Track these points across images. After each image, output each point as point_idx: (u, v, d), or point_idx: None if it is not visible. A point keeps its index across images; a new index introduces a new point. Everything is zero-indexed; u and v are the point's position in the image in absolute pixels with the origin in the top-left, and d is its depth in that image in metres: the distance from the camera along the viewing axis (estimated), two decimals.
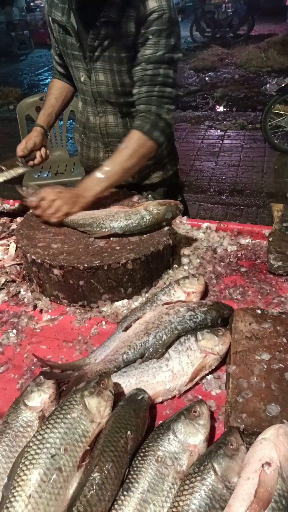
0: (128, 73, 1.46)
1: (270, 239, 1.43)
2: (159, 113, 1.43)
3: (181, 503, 0.73)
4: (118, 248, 1.28)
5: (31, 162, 1.68)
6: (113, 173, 1.41)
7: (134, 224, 1.31)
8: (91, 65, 1.49)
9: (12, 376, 1.08)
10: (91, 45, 1.44)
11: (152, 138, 1.43)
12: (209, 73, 8.81)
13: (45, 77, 9.93)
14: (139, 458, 0.80)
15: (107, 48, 1.43)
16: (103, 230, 1.32)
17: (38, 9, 13.04)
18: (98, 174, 1.42)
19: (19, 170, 1.67)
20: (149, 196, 1.68)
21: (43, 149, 1.68)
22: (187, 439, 0.82)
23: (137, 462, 0.80)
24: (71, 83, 1.75)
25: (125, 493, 0.75)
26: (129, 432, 0.82)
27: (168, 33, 1.37)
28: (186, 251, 1.47)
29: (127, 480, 0.77)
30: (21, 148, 1.62)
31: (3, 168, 1.65)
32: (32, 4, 13.66)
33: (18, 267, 1.41)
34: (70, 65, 1.58)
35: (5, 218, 1.70)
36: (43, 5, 13.07)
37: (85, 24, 1.43)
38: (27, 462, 0.76)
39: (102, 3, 1.35)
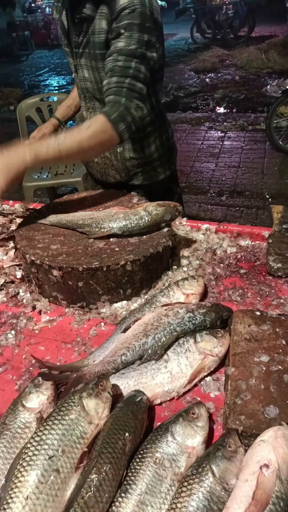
0: (104, 69, 1.43)
1: (270, 240, 1.43)
2: (128, 107, 1.36)
3: (179, 505, 0.73)
4: (117, 249, 1.28)
5: None
6: (66, 146, 1.31)
7: (133, 225, 1.31)
8: (78, 61, 1.55)
9: (11, 377, 1.08)
10: (76, 41, 1.50)
11: (116, 130, 1.35)
12: (210, 74, 8.82)
13: (46, 78, 9.94)
14: (137, 460, 0.80)
15: (86, 45, 1.48)
16: (102, 230, 1.32)
17: (39, 10, 13.05)
18: (51, 141, 1.31)
19: None
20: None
21: None
22: (185, 441, 0.82)
23: (135, 463, 0.79)
24: None
25: (123, 494, 0.75)
26: (127, 434, 0.82)
27: (140, 28, 1.34)
28: (185, 252, 1.47)
29: (125, 482, 0.77)
30: (32, 136, 1.71)
31: None
32: (33, 5, 13.67)
33: (17, 267, 1.41)
34: (68, 61, 1.66)
35: (4, 219, 1.70)
36: (44, 6, 13.09)
37: (70, 20, 1.50)
38: (24, 463, 0.76)
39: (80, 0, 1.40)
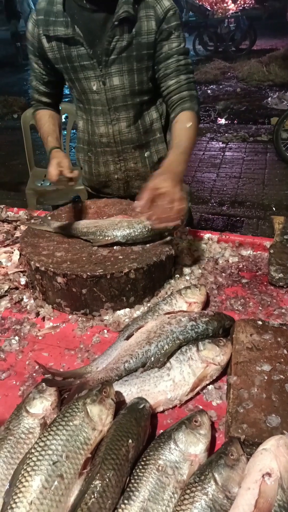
0: (147, 70, 1.55)
1: (271, 251, 1.45)
2: (198, 95, 1.61)
3: None
4: (121, 257, 1.30)
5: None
6: (188, 148, 1.47)
7: (136, 233, 1.33)
8: (106, 71, 1.52)
9: (14, 382, 1.09)
10: (107, 48, 1.47)
11: (199, 117, 1.59)
12: (211, 86, 8.93)
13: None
14: (140, 467, 0.80)
15: (125, 48, 1.48)
16: (106, 238, 1.34)
17: None
18: (178, 150, 1.43)
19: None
20: None
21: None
22: (188, 448, 0.82)
23: (138, 470, 0.80)
24: (56, 110, 1.77)
25: (125, 501, 0.76)
26: (130, 441, 0.83)
27: (181, 27, 1.55)
28: (188, 261, 1.48)
29: (128, 489, 0.77)
30: (69, 172, 1.44)
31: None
32: None
33: (21, 274, 1.42)
34: (77, 78, 1.57)
35: (8, 225, 1.72)
36: None
37: (96, 30, 1.46)
38: (29, 469, 0.76)
39: (116, 2, 1.41)
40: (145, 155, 1.71)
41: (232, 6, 11.17)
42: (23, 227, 1.70)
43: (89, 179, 1.81)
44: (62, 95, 1.78)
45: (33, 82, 1.70)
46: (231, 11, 11.29)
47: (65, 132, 3.79)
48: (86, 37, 1.47)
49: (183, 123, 1.52)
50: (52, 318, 1.30)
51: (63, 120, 3.94)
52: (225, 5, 11.20)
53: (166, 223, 1.24)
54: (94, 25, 1.46)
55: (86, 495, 0.74)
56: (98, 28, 1.46)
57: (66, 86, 1.75)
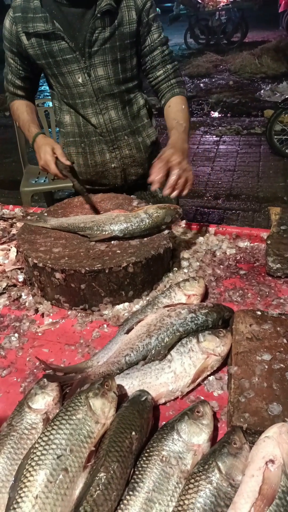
0: (130, 58, 1.60)
1: (268, 242, 1.45)
2: (183, 80, 1.74)
3: (186, 502, 0.74)
4: (119, 251, 1.30)
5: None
6: (187, 127, 1.60)
7: (134, 227, 1.33)
8: (90, 62, 1.53)
9: (15, 379, 1.09)
10: (90, 40, 1.49)
11: (187, 99, 1.71)
12: (204, 80, 8.89)
13: (41, 83, 9.95)
14: (144, 458, 0.81)
15: (108, 39, 1.51)
16: (104, 233, 1.33)
17: None
18: (180, 129, 1.55)
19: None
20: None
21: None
22: (191, 438, 0.83)
23: (142, 462, 0.80)
24: (32, 100, 1.79)
25: (130, 492, 0.76)
26: (133, 433, 0.83)
27: (158, 17, 1.62)
28: (185, 254, 1.48)
29: (133, 480, 0.78)
30: (65, 159, 1.53)
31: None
32: None
33: (19, 271, 1.42)
34: (61, 73, 1.56)
35: (4, 223, 1.71)
36: None
37: (76, 23, 1.49)
38: (33, 463, 0.76)
39: None
40: (139, 140, 1.74)
41: None
42: (19, 224, 1.69)
43: (84, 172, 1.79)
44: (37, 89, 1.82)
45: (8, 75, 1.71)
46: (222, 4, 11.23)
47: (58, 129, 3.76)
48: (67, 31, 1.48)
49: (177, 105, 1.64)
50: (51, 314, 1.29)
51: (45, 118, 3.92)
52: None
53: (179, 191, 1.36)
54: (73, 18, 1.48)
55: (91, 487, 0.74)
56: (77, 21, 1.48)
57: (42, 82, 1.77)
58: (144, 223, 1.33)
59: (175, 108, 1.64)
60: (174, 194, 1.36)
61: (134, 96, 1.70)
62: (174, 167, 1.35)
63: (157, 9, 1.66)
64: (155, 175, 1.33)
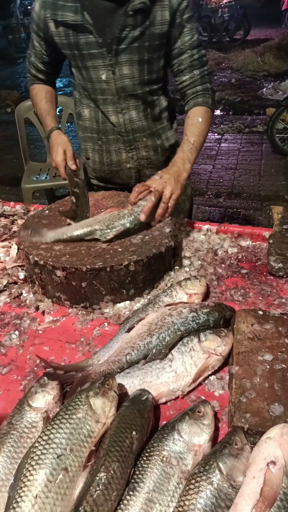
0: (158, 59, 1.53)
1: (271, 241, 1.44)
2: (212, 88, 1.63)
3: (187, 503, 0.73)
4: (120, 250, 1.29)
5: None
6: (198, 143, 1.53)
7: (139, 216, 1.33)
8: (115, 60, 1.48)
9: (15, 377, 1.08)
10: (118, 37, 1.43)
11: (213, 111, 1.63)
12: None
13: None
14: (145, 458, 0.80)
15: (137, 38, 1.44)
16: (115, 229, 1.32)
17: None
18: (187, 148, 1.51)
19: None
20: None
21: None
22: (192, 439, 0.82)
23: (142, 462, 0.80)
24: (53, 85, 1.76)
25: (131, 492, 0.76)
26: (134, 432, 0.83)
27: (194, 18, 1.54)
28: (187, 253, 1.48)
29: (133, 480, 0.77)
30: (72, 163, 1.52)
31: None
32: (29, 7, 13.70)
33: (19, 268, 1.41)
34: (85, 66, 1.52)
35: (6, 220, 1.70)
36: None
37: (107, 18, 1.41)
38: (33, 463, 0.76)
39: None
40: (157, 142, 1.70)
41: None
42: (20, 221, 1.68)
43: (99, 169, 1.76)
44: (59, 74, 1.75)
45: (31, 57, 1.67)
46: (224, 1, 11.18)
47: (60, 126, 3.75)
48: (96, 25, 1.42)
49: (194, 118, 1.56)
50: (52, 312, 1.29)
51: (58, 113, 3.93)
52: None
53: (153, 220, 1.39)
54: (104, 12, 1.41)
55: (91, 487, 0.74)
56: (108, 16, 1.41)
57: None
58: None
59: (191, 121, 1.56)
60: (152, 222, 1.40)
61: (158, 98, 1.64)
62: (152, 194, 1.36)
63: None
64: (131, 197, 1.38)
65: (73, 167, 1.51)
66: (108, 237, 1.32)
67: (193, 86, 1.58)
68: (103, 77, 1.52)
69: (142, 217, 1.34)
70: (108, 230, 1.32)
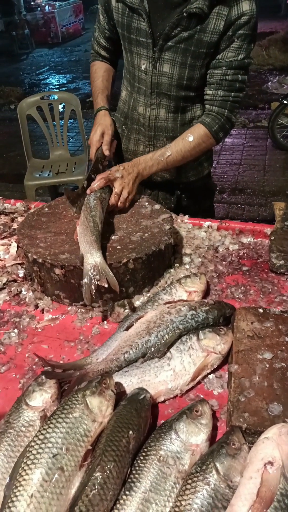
0: (200, 68, 1.46)
1: (272, 237, 1.43)
2: (229, 117, 1.53)
3: (183, 503, 0.73)
4: (119, 247, 1.28)
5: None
6: (172, 159, 1.51)
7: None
8: (159, 55, 1.45)
9: (14, 375, 1.08)
10: (167, 34, 1.40)
11: (216, 138, 1.54)
12: None
13: (46, 76, 9.91)
14: (141, 458, 0.80)
15: (185, 40, 1.40)
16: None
17: (39, 9, 13.01)
18: (159, 156, 1.51)
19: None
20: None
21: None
22: (189, 438, 0.82)
23: (139, 461, 0.79)
24: (113, 65, 1.74)
25: (127, 492, 0.75)
26: (131, 432, 0.82)
27: (251, 38, 1.41)
28: (187, 250, 1.46)
29: (129, 480, 0.77)
30: (106, 148, 1.53)
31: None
32: (32, 3, 13.64)
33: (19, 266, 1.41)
34: (130, 50, 1.53)
35: (6, 217, 1.70)
36: (43, 4, 13.03)
37: (164, 11, 1.39)
38: (29, 462, 0.76)
39: None
40: None
41: None
42: (20, 219, 1.68)
43: (116, 151, 1.74)
44: (121, 53, 1.68)
45: (96, 32, 1.69)
46: None
47: (62, 122, 3.75)
48: (151, 14, 1.41)
49: (189, 134, 1.52)
50: (51, 310, 1.29)
51: (60, 109, 3.92)
52: None
53: (122, 204, 1.44)
54: (162, 5, 1.38)
55: (87, 487, 0.74)
56: (165, 10, 1.38)
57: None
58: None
59: (183, 136, 1.52)
60: (119, 204, 1.45)
61: (192, 105, 1.58)
62: (112, 196, 1.42)
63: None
64: (93, 183, 1.41)
65: (106, 152, 1.51)
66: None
67: (211, 104, 1.51)
68: (143, 67, 1.51)
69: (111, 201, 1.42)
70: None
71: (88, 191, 1.41)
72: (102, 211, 1.36)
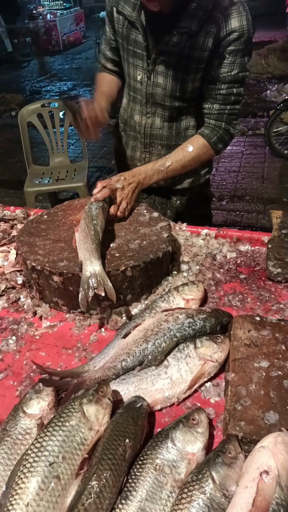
0: (192, 81, 1.49)
1: (269, 246, 1.44)
2: (227, 129, 1.55)
3: None
4: (117, 255, 1.29)
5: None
6: (172, 169, 1.55)
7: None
8: (153, 67, 1.50)
9: (11, 383, 1.08)
10: (160, 48, 1.45)
11: (215, 149, 1.58)
12: None
13: (47, 83, 9.99)
14: (138, 466, 0.80)
15: (176, 56, 1.44)
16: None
17: (41, 17, 13.15)
18: (159, 166, 1.54)
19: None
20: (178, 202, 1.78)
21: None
22: (185, 447, 0.82)
23: (135, 470, 0.80)
24: (120, 77, 1.76)
25: (123, 501, 0.75)
26: (127, 440, 0.82)
27: (243, 53, 1.42)
28: (185, 258, 1.47)
29: (125, 488, 0.77)
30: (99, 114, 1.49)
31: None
32: (34, 11, 13.78)
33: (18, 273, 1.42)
34: (127, 61, 1.58)
35: (5, 224, 1.71)
36: (45, 12, 13.16)
37: (157, 27, 1.43)
38: (25, 470, 0.76)
39: (182, 13, 1.36)
40: None
41: None
42: (19, 226, 1.69)
43: (116, 156, 1.86)
44: None
45: (102, 45, 1.74)
46: None
47: (62, 129, 3.77)
48: (148, 27, 1.44)
49: (188, 145, 1.55)
50: (49, 317, 1.29)
51: (61, 117, 3.95)
52: None
53: (121, 214, 1.47)
54: (158, 20, 1.41)
55: (83, 496, 0.74)
56: (160, 25, 1.42)
57: None
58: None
59: (183, 146, 1.55)
60: (119, 214, 1.47)
61: (187, 116, 1.61)
62: (114, 192, 1.45)
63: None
64: (95, 191, 1.44)
65: (99, 116, 1.46)
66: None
67: (208, 118, 1.55)
68: (138, 77, 1.56)
69: (112, 211, 1.45)
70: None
71: (92, 200, 1.42)
72: (103, 221, 1.37)
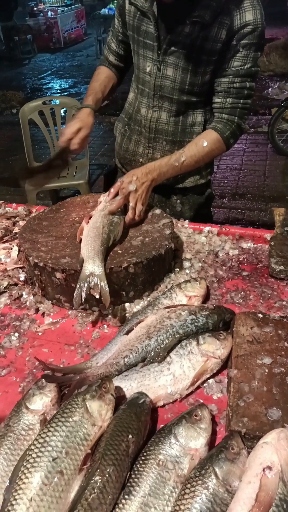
0: (203, 74, 1.48)
1: (272, 243, 1.44)
2: (240, 123, 1.55)
3: (182, 507, 0.73)
4: (120, 251, 1.29)
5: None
6: (186, 164, 1.53)
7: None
8: (163, 58, 1.48)
9: (14, 379, 1.09)
10: (171, 39, 1.43)
11: (227, 144, 1.56)
12: None
13: (48, 81, 9.97)
14: (141, 462, 0.80)
15: (187, 46, 1.42)
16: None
17: (41, 14, 13.11)
18: (174, 161, 1.51)
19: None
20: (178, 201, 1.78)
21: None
22: (188, 443, 0.82)
23: (138, 465, 0.80)
24: (118, 74, 1.76)
25: (126, 496, 0.76)
26: (130, 436, 0.82)
27: (257, 47, 1.42)
28: (187, 255, 1.47)
29: (128, 484, 0.77)
30: (77, 142, 1.51)
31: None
32: (35, 9, 13.74)
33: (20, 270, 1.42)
34: (137, 52, 1.56)
35: (7, 221, 1.71)
36: (46, 10, 13.13)
37: (169, 17, 1.41)
38: (28, 465, 0.76)
39: (195, 3, 1.35)
40: (175, 151, 1.63)
41: None
42: (21, 223, 1.69)
43: (117, 152, 1.83)
44: (131, 62, 1.68)
45: (109, 36, 1.72)
46: None
47: (63, 127, 3.76)
48: (159, 18, 1.43)
49: (202, 139, 1.54)
50: (51, 314, 1.29)
51: (62, 114, 3.94)
52: None
53: (138, 216, 1.42)
54: (170, 10, 1.39)
55: (86, 491, 0.74)
56: (173, 15, 1.40)
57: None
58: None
59: (196, 141, 1.54)
60: (136, 218, 1.43)
61: (194, 111, 1.59)
62: (128, 196, 1.41)
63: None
64: (110, 196, 1.42)
65: (75, 146, 1.50)
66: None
67: (220, 112, 1.54)
68: (148, 69, 1.54)
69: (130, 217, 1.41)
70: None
71: (107, 212, 1.37)
72: (118, 234, 1.34)
